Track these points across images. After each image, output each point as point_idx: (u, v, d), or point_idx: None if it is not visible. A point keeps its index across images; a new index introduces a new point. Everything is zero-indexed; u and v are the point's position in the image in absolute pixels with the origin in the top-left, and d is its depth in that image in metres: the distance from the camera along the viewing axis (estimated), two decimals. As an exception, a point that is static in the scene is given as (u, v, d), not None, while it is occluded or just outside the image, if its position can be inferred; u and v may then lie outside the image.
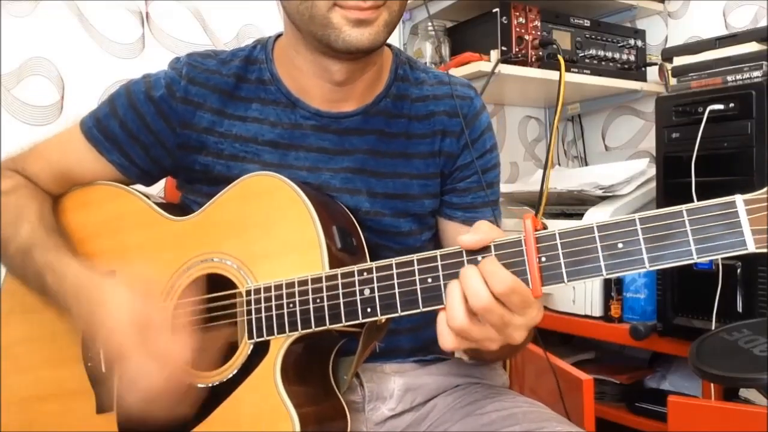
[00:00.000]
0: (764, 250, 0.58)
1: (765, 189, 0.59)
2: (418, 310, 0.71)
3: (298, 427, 0.76)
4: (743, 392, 1.37)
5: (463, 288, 0.66)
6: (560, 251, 0.65)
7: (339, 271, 0.76)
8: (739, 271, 1.35)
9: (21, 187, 0.94)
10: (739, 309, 1.35)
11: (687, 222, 0.61)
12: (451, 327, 0.67)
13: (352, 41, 0.81)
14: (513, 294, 0.65)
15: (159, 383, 0.75)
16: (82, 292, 0.81)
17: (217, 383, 0.82)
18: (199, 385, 0.83)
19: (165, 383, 0.75)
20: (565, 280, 0.65)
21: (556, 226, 0.67)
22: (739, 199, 0.60)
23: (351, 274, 0.75)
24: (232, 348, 0.83)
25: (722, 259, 1.33)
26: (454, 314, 0.66)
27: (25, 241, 0.87)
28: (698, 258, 0.61)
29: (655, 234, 0.62)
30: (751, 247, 0.59)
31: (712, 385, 1.35)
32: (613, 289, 1.64)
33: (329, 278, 0.76)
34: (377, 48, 0.85)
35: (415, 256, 0.72)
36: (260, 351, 0.80)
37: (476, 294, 0.65)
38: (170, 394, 0.76)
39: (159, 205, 0.92)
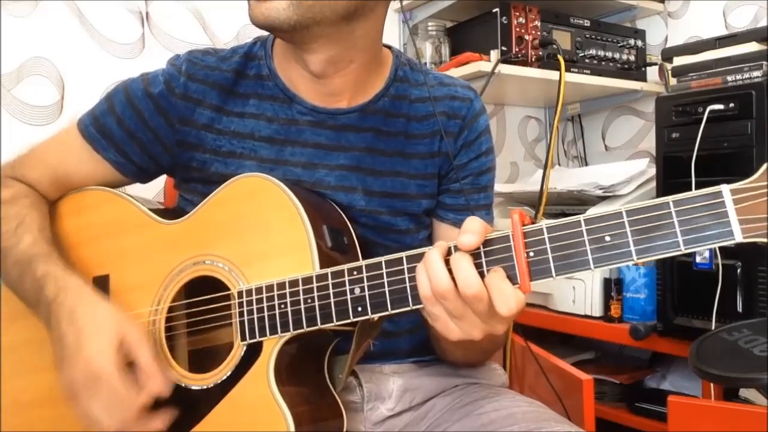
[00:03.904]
0: (752, 240, 0.58)
1: (751, 178, 0.59)
2: (408, 308, 0.71)
3: (292, 427, 0.75)
4: (743, 392, 1.36)
5: (454, 273, 0.66)
6: (548, 245, 0.65)
7: (329, 270, 0.76)
8: (739, 271, 1.34)
9: (22, 196, 0.93)
10: (739, 309, 1.34)
11: (674, 213, 0.61)
12: (436, 293, 0.67)
13: (254, 15, 0.82)
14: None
15: (132, 414, 0.77)
16: (78, 312, 0.80)
17: (212, 385, 0.82)
18: (194, 388, 0.83)
19: (136, 414, 0.77)
20: (554, 274, 0.65)
21: (551, 225, 0.67)
22: (725, 188, 0.59)
23: (341, 273, 0.75)
24: (226, 350, 0.83)
25: (722, 258, 1.34)
26: (439, 280, 0.67)
27: (25, 252, 0.87)
28: (686, 249, 0.60)
29: (642, 226, 0.62)
30: (739, 237, 0.59)
31: (712, 385, 1.35)
32: (613, 289, 1.63)
33: (319, 278, 0.76)
34: (285, 28, 0.82)
35: (404, 254, 0.72)
36: (254, 352, 0.80)
37: (467, 280, 0.66)
38: (139, 423, 0.78)
39: (152, 210, 0.92)
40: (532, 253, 0.66)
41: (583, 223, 0.64)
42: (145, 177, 1.00)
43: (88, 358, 0.77)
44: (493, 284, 0.66)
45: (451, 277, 0.66)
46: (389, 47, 0.99)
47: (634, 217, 0.62)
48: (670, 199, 0.61)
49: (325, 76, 0.90)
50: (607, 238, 0.63)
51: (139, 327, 0.81)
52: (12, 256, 0.88)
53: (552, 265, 0.65)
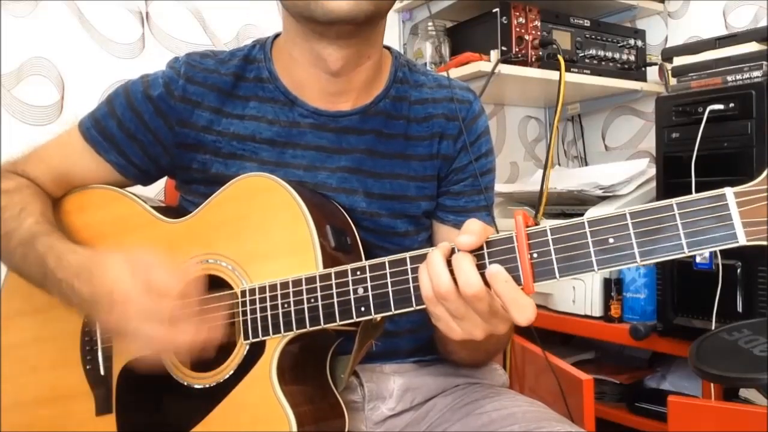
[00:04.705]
0: (755, 243, 0.58)
1: (755, 181, 0.59)
2: (412, 308, 0.72)
3: (294, 427, 0.76)
4: (743, 392, 1.36)
5: (455, 273, 0.67)
6: (552, 247, 0.65)
7: (333, 270, 0.76)
8: (739, 271, 1.34)
9: (24, 186, 0.94)
10: (739, 309, 1.34)
11: (677, 216, 0.61)
12: (437, 294, 0.68)
13: (333, 8, 0.80)
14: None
15: (178, 315, 0.74)
16: (84, 267, 0.80)
17: (214, 384, 0.82)
18: (196, 386, 0.83)
19: (184, 313, 0.74)
20: (557, 275, 0.65)
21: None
22: (729, 191, 0.60)
23: (344, 273, 0.75)
24: (228, 349, 0.83)
25: (722, 258, 1.34)
26: (439, 279, 0.67)
27: (28, 232, 0.87)
28: (689, 251, 0.61)
29: (645, 228, 0.62)
30: (742, 240, 0.59)
31: (712, 385, 1.35)
32: (613, 289, 1.63)
33: (323, 278, 0.77)
34: (361, 19, 0.82)
35: (407, 254, 0.72)
36: (256, 351, 0.81)
37: (467, 280, 0.66)
38: (194, 321, 0.75)
39: (155, 208, 0.92)
40: (535, 255, 0.66)
41: (586, 224, 0.64)
42: (146, 179, 1.00)
43: (109, 292, 0.76)
44: (507, 295, 0.65)
45: (452, 279, 0.66)
46: (388, 48, 0.99)
47: (638, 219, 0.62)
48: (673, 201, 0.61)
49: (341, 74, 0.90)
50: (611, 240, 0.63)
51: (142, 251, 0.79)
52: (16, 238, 0.88)
53: (555, 266, 0.65)
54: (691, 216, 0.61)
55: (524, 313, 0.65)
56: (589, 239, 0.64)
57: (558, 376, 1.19)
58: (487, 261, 0.67)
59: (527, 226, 0.66)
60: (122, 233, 0.93)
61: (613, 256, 0.63)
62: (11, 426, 0.93)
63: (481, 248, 0.68)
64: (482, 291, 0.66)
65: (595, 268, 0.64)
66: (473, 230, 0.67)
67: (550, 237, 0.65)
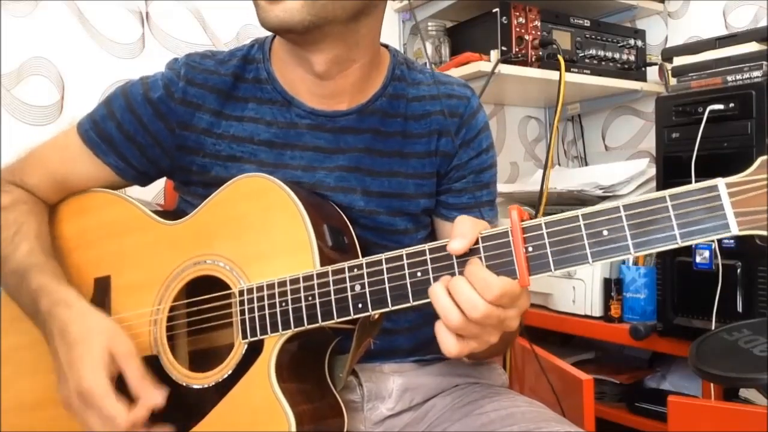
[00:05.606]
0: (748, 233, 0.59)
1: (747, 172, 0.60)
2: (409, 304, 0.72)
3: (293, 426, 0.76)
4: (743, 392, 1.36)
5: (457, 302, 0.67)
6: (546, 240, 0.66)
7: (330, 268, 0.76)
8: (739, 271, 1.34)
9: (20, 202, 0.94)
10: (739, 309, 1.34)
11: (670, 207, 0.62)
12: (449, 327, 0.68)
13: (266, 17, 0.81)
14: (504, 296, 0.66)
15: (127, 428, 0.76)
16: (68, 331, 0.81)
17: (213, 384, 0.82)
18: (195, 386, 0.83)
19: (131, 428, 0.76)
20: (552, 268, 0.66)
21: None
22: (721, 182, 0.61)
23: (341, 270, 0.76)
24: (227, 348, 0.83)
25: (722, 258, 1.34)
26: (448, 314, 0.67)
27: (22, 262, 0.87)
28: (682, 242, 0.61)
29: (639, 220, 0.63)
30: (735, 230, 0.59)
31: (712, 385, 1.35)
32: (613, 289, 1.63)
33: (320, 276, 0.77)
34: (299, 29, 0.81)
35: (404, 251, 0.72)
36: (255, 350, 0.81)
37: (473, 306, 0.66)
38: None
39: (153, 211, 0.92)
40: (531, 248, 0.66)
41: (581, 217, 0.65)
42: (145, 180, 1.00)
43: (79, 377, 0.78)
44: (474, 274, 0.66)
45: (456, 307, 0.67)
46: (386, 46, 0.99)
47: (631, 212, 0.63)
48: (666, 193, 0.62)
49: (328, 77, 0.90)
50: (605, 233, 0.64)
51: (128, 340, 0.81)
52: (9, 265, 0.88)
53: (550, 259, 0.66)
54: (683, 207, 0.61)
55: (492, 290, 0.65)
56: (584, 232, 0.65)
57: (557, 376, 1.19)
58: (483, 255, 0.68)
59: (522, 221, 0.67)
60: (120, 236, 0.92)
61: (607, 248, 0.64)
62: (10, 428, 0.93)
63: (476, 243, 0.68)
64: (488, 308, 0.66)
65: (590, 260, 0.64)
66: (463, 232, 0.68)
67: (545, 230, 0.66)
